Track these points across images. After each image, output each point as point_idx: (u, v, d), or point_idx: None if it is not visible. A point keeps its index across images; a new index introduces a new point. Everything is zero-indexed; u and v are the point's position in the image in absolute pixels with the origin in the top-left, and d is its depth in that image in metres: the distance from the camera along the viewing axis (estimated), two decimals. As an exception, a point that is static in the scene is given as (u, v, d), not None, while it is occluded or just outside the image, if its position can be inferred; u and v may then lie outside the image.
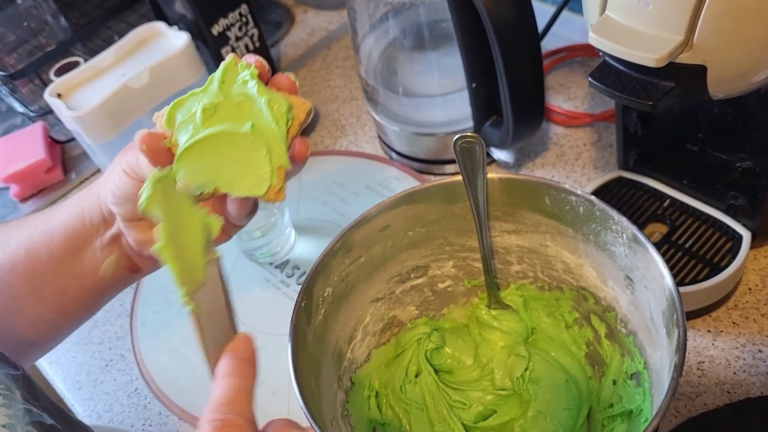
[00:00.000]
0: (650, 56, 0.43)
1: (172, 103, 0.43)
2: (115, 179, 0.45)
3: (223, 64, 0.42)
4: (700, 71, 0.44)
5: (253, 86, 0.42)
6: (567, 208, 0.52)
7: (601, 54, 0.48)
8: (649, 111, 0.47)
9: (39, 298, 0.50)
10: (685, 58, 0.44)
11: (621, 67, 0.47)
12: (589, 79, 0.48)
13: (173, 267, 0.38)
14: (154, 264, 0.50)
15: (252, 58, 0.43)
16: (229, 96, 0.42)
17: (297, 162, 0.43)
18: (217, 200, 0.46)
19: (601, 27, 0.46)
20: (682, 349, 0.42)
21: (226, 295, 0.42)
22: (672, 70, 0.44)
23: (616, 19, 0.45)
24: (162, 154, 0.42)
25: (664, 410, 0.41)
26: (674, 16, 0.43)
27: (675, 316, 0.44)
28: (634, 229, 0.48)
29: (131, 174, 0.44)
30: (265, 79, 0.43)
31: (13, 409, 0.41)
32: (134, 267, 0.51)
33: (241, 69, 0.42)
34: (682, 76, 0.45)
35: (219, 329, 0.41)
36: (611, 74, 0.47)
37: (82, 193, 0.50)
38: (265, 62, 0.43)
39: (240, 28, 0.88)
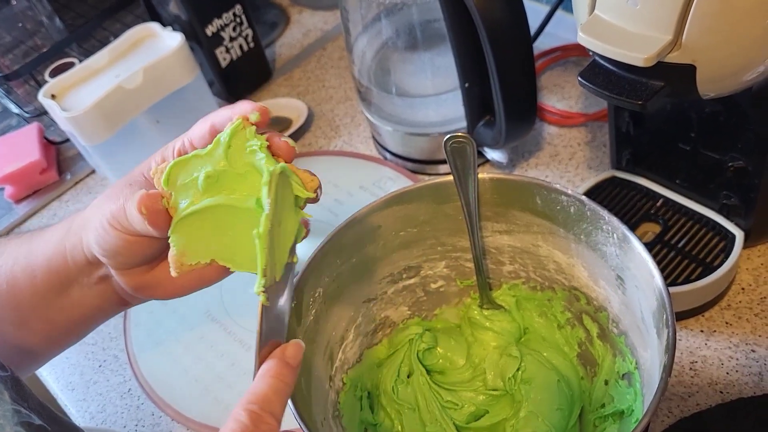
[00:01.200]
0: (639, 56, 0.43)
1: (172, 163, 0.41)
2: (100, 232, 0.43)
3: (230, 127, 0.41)
4: (689, 70, 0.44)
5: (261, 158, 0.41)
6: (558, 208, 0.52)
7: (590, 53, 0.48)
8: (638, 110, 0.47)
9: (26, 329, 0.49)
10: (674, 58, 0.44)
11: (610, 67, 0.47)
12: (579, 78, 0.48)
13: (262, 256, 0.38)
14: (144, 299, 0.49)
15: (252, 109, 0.42)
16: (235, 164, 0.41)
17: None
18: None
19: (590, 26, 0.45)
20: (671, 348, 0.42)
21: (290, 299, 0.43)
22: (661, 69, 0.44)
23: (605, 19, 0.45)
24: (161, 215, 0.41)
25: (653, 410, 0.41)
26: (663, 15, 0.43)
27: (664, 316, 0.44)
28: (624, 228, 0.48)
29: (118, 227, 0.43)
30: (264, 124, 0.42)
31: (2, 409, 0.41)
32: (123, 302, 0.49)
33: (249, 135, 0.41)
34: (671, 76, 0.45)
35: (276, 329, 0.41)
36: (601, 74, 0.47)
37: (62, 230, 0.47)
38: (267, 109, 0.42)
39: (234, 29, 0.88)
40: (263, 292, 0.39)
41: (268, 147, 0.41)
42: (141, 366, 0.69)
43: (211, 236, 0.43)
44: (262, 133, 0.42)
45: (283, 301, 0.42)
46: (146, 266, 0.46)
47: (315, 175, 0.43)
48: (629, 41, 0.44)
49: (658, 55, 0.43)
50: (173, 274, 0.43)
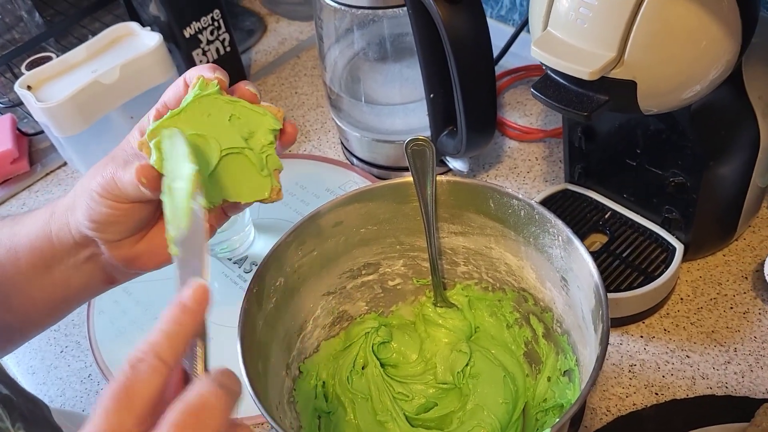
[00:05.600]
0: (584, 69, 0.46)
1: (154, 128, 0.43)
2: (91, 204, 0.44)
3: (194, 84, 0.44)
4: (630, 86, 0.48)
5: (226, 103, 0.44)
6: (510, 211, 0.55)
7: (543, 67, 0.52)
8: (584, 121, 0.50)
9: (6, 307, 0.49)
10: (617, 73, 0.48)
11: (561, 80, 0.51)
12: (532, 89, 0.51)
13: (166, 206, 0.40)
14: (132, 275, 0.49)
15: (211, 74, 0.44)
16: (216, 115, 0.44)
17: (288, 142, 0.46)
18: None
19: (543, 42, 0.49)
20: (604, 342, 0.45)
21: (203, 247, 0.41)
22: (605, 84, 0.48)
23: (557, 35, 0.49)
24: (158, 181, 0.42)
25: (584, 397, 0.44)
26: (607, 34, 0.46)
27: (600, 312, 0.47)
28: (568, 231, 0.51)
29: (108, 197, 0.43)
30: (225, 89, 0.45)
31: None
32: (110, 279, 0.50)
33: (210, 87, 0.43)
34: (615, 90, 0.49)
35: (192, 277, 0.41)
36: (551, 86, 0.51)
37: (46, 214, 0.48)
38: (224, 75, 0.44)
39: (212, 32, 0.91)
40: (173, 245, 0.40)
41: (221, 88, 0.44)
42: (103, 353, 0.71)
43: (217, 180, 0.45)
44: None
45: (199, 249, 0.40)
46: (136, 236, 0.46)
47: (280, 109, 0.46)
48: (577, 56, 0.47)
49: (602, 70, 0.47)
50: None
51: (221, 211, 0.49)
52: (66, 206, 0.47)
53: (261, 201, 0.47)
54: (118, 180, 0.43)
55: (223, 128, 0.44)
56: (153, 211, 0.46)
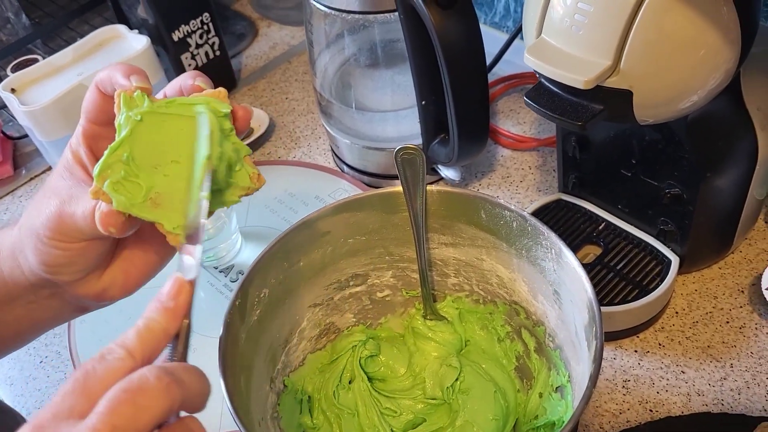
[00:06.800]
0: (579, 78, 0.45)
1: (101, 168, 0.38)
2: (41, 248, 0.40)
3: (118, 105, 0.39)
4: (626, 96, 0.47)
5: (164, 108, 0.39)
6: (501, 222, 0.54)
7: (537, 75, 0.50)
8: (578, 131, 0.49)
9: None
10: (612, 83, 0.46)
11: (554, 89, 0.49)
12: (525, 98, 0.50)
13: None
14: (101, 306, 0.47)
15: (126, 80, 0.39)
16: (166, 130, 0.39)
17: (243, 126, 0.41)
18: None
19: (536, 49, 0.48)
20: (598, 360, 0.44)
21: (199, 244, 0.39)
22: (600, 93, 0.47)
23: (551, 43, 0.48)
24: (128, 225, 0.39)
25: (577, 417, 0.43)
26: (603, 41, 0.45)
27: (594, 328, 0.45)
28: (561, 244, 0.50)
29: (59, 238, 0.40)
30: (148, 91, 0.40)
31: None
32: (81, 308, 0.46)
33: (138, 101, 0.39)
34: (610, 100, 0.47)
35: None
36: (545, 95, 0.49)
37: None
38: (142, 76, 0.40)
39: (201, 36, 0.90)
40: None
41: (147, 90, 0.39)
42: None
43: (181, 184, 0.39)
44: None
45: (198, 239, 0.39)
46: (98, 271, 0.43)
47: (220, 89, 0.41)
48: (571, 65, 0.46)
49: (597, 79, 0.45)
50: (105, 229, 0.38)
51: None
52: (12, 247, 0.43)
53: (246, 194, 0.42)
54: (66, 217, 0.39)
55: (183, 140, 0.39)
56: (111, 247, 0.43)
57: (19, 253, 0.42)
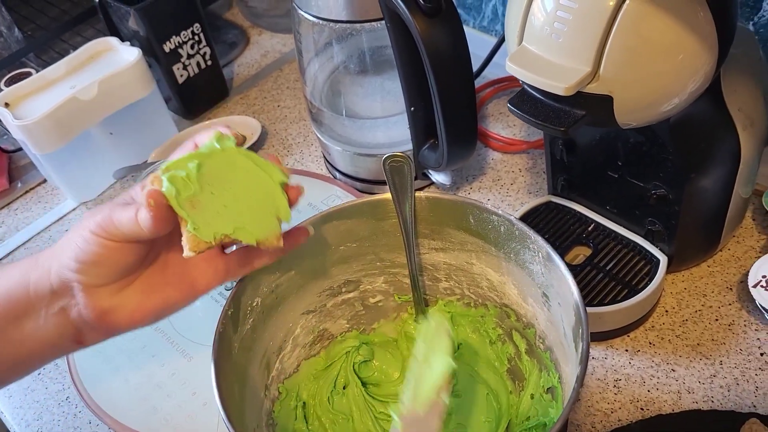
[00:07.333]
0: (560, 85, 0.46)
1: (172, 162, 0.44)
2: (80, 243, 0.44)
3: (211, 136, 0.45)
4: (607, 101, 0.47)
5: (239, 154, 0.46)
6: (490, 227, 0.55)
7: (520, 82, 0.51)
8: (561, 137, 0.50)
9: None
10: (592, 88, 0.47)
11: (537, 95, 0.50)
12: (508, 105, 0.51)
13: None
14: (101, 336, 0.48)
15: (227, 131, 0.46)
16: (226, 162, 0.45)
17: (293, 203, 0.48)
18: None
19: (518, 57, 0.49)
20: (584, 361, 0.45)
21: None
22: (581, 99, 0.48)
23: (532, 50, 0.48)
24: (163, 210, 0.42)
25: (565, 417, 0.43)
26: (582, 48, 0.46)
27: (580, 330, 0.46)
28: (548, 248, 0.50)
29: (102, 234, 0.43)
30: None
31: None
32: (79, 338, 0.48)
33: (227, 141, 0.45)
34: (591, 105, 0.48)
35: None
36: (528, 101, 0.50)
37: (28, 264, 0.47)
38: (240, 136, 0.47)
39: (192, 47, 0.90)
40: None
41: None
42: (81, 374, 0.69)
43: (223, 215, 0.45)
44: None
45: None
46: (116, 285, 0.46)
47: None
48: (552, 71, 0.47)
49: (578, 85, 0.46)
50: (188, 254, 0.43)
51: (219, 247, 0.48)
52: (51, 253, 0.46)
53: (260, 244, 0.46)
54: (115, 218, 0.43)
55: (241, 180, 0.46)
56: (139, 260, 0.46)
57: (55, 257, 0.46)
